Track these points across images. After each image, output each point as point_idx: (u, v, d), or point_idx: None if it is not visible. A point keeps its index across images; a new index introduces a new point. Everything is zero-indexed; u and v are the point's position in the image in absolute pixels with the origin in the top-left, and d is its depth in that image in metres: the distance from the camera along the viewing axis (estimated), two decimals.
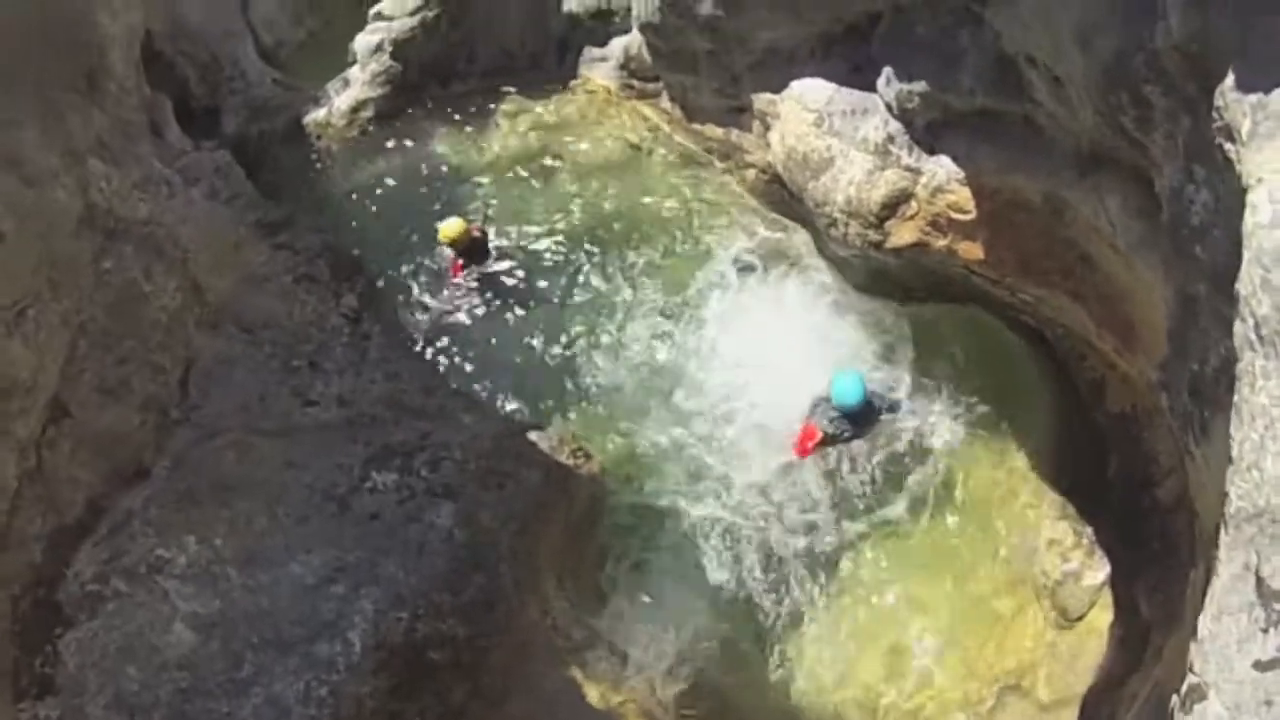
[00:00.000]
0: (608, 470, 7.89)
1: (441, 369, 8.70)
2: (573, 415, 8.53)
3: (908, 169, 7.47)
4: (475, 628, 5.89)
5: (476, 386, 8.61)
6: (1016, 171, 6.67)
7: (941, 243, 7.53)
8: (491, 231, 9.55)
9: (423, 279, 9.42)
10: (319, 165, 10.37)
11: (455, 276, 9.32)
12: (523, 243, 9.68)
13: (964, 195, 7.20)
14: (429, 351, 8.86)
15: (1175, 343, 4.90)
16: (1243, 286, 3.49)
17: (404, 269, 9.49)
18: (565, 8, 11.00)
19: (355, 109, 10.69)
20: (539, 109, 10.77)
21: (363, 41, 10.82)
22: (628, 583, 7.53)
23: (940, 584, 7.64)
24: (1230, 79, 3.86)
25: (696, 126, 9.98)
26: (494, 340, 9.05)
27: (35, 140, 5.64)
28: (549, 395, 8.67)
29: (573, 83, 10.92)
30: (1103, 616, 6.94)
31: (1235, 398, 3.51)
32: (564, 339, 9.01)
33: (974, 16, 6.37)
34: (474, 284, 9.32)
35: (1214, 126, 3.97)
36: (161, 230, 6.78)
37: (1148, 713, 5.24)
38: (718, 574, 7.70)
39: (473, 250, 9.22)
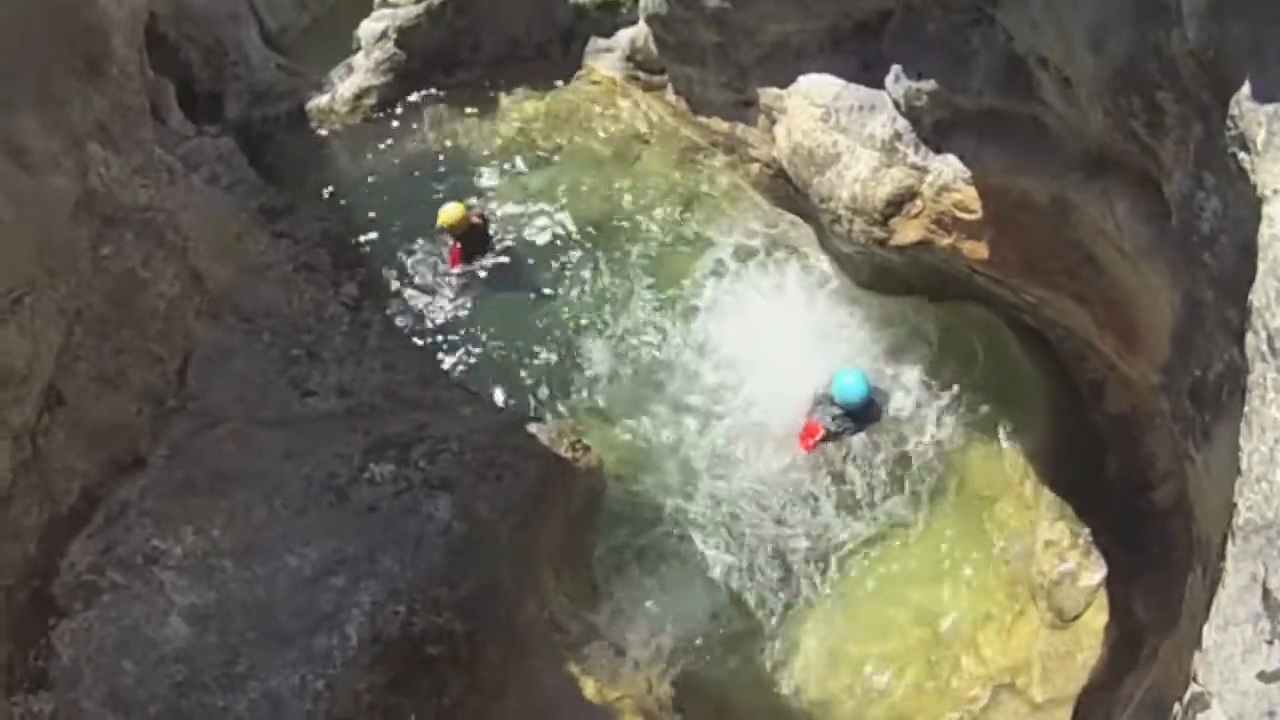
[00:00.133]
0: (606, 464, 7.87)
1: (440, 359, 8.67)
2: (572, 408, 8.52)
3: (914, 167, 7.44)
4: (473, 622, 5.85)
5: (475, 377, 8.58)
6: (1024, 173, 6.64)
7: (946, 241, 7.51)
8: (493, 223, 9.50)
9: (424, 268, 9.39)
10: (321, 152, 10.32)
11: (453, 266, 9.27)
12: (524, 233, 9.64)
13: (969, 194, 7.17)
14: (428, 341, 8.84)
15: (1179, 347, 4.88)
16: (1257, 298, 3.46)
17: (405, 257, 9.45)
18: None
19: (359, 96, 10.64)
20: (543, 99, 10.72)
21: (367, 28, 10.76)
22: (626, 577, 7.54)
23: (936, 582, 7.65)
24: (1246, 88, 3.81)
25: (702, 119, 9.92)
26: (493, 330, 9.03)
27: (34, 125, 5.57)
28: (548, 387, 8.66)
29: (578, 73, 10.85)
30: (1098, 617, 6.96)
31: (1245, 409, 3.49)
32: (562, 330, 9.00)
33: (985, 16, 6.33)
34: (475, 274, 9.28)
35: (1228, 135, 3.94)
36: (161, 217, 6.72)
37: (1142, 716, 5.26)
38: (716, 570, 7.70)
39: (472, 237, 9.18)
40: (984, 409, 8.25)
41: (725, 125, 9.69)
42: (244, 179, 8.45)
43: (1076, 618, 7.09)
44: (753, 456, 8.21)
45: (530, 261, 9.46)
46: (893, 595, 7.62)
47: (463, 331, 8.97)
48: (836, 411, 7.94)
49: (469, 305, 9.17)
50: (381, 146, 10.38)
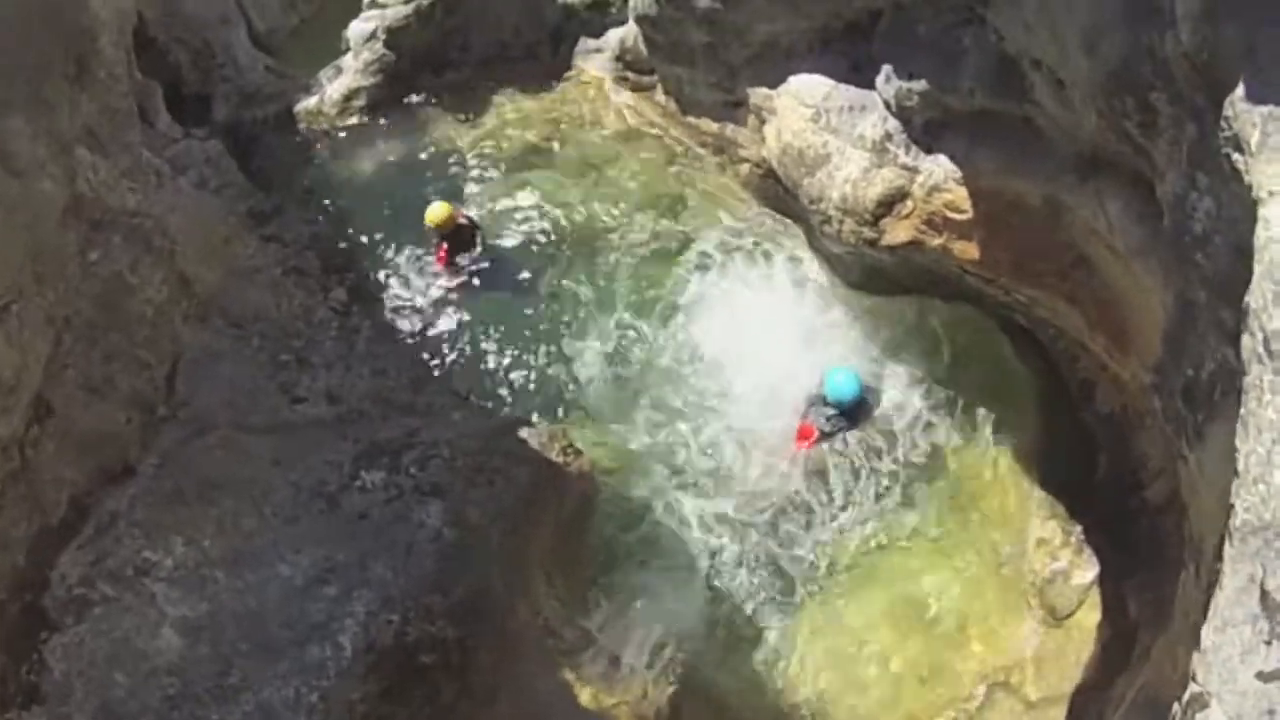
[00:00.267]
0: (598, 467, 7.84)
1: (430, 364, 8.61)
2: (562, 411, 8.48)
3: (904, 167, 7.44)
4: (465, 629, 5.82)
5: (465, 381, 8.52)
6: (1016, 175, 6.65)
7: (936, 241, 7.51)
8: (481, 224, 9.45)
9: (412, 271, 9.32)
10: (310, 154, 10.23)
11: (440, 265, 9.23)
12: (513, 234, 9.59)
13: (960, 194, 7.18)
14: (418, 346, 8.77)
15: (1171, 347, 4.89)
16: (1253, 300, 3.46)
17: (394, 260, 9.38)
18: None
19: (348, 97, 10.54)
20: (533, 99, 10.65)
21: (356, 29, 10.66)
22: (619, 582, 7.49)
23: (929, 581, 7.65)
24: (1240, 90, 3.82)
25: (691, 120, 9.90)
26: (483, 333, 8.97)
27: (22, 129, 5.49)
28: (538, 391, 8.61)
29: (567, 74, 10.80)
30: (1091, 615, 6.99)
31: (1242, 410, 3.49)
32: (552, 332, 8.94)
33: (976, 17, 6.33)
34: (464, 275, 9.23)
35: (1221, 136, 3.94)
36: (149, 221, 6.66)
37: (1136, 714, 5.27)
38: (709, 573, 7.68)
39: (458, 237, 9.13)
40: (976, 408, 8.25)
41: (715, 125, 9.67)
42: (232, 182, 8.39)
43: (1069, 616, 7.13)
44: (745, 457, 8.19)
45: (519, 263, 9.40)
46: (886, 594, 7.61)
47: (452, 335, 8.92)
48: (830, 412, 7.94)
49: (458, 308, 9.10)
50: (370, 148, 10.30)
